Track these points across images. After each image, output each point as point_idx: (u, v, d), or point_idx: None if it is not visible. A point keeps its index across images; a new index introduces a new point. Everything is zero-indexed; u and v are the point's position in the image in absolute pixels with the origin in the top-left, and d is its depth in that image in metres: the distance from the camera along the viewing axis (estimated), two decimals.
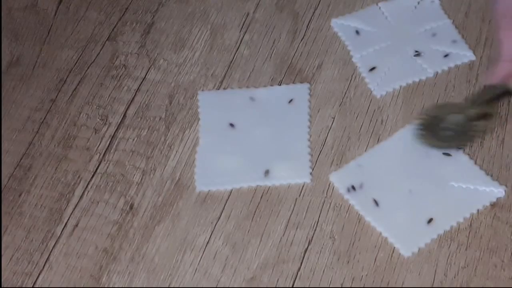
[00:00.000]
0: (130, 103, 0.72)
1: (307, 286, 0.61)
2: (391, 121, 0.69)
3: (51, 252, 0.64)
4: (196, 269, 0.62)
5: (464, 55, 0.72)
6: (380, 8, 0.76)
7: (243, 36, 0.76)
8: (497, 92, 0.63)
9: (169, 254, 0.63)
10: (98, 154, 0.69)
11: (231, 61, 0.74)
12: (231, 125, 0.69)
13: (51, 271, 0.63)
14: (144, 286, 0.62)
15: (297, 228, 0.64)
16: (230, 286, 0.61)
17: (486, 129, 0.65)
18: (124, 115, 0.71)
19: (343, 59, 0.73)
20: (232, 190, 0.66)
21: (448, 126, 0.65)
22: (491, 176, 0.65)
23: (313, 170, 0.67)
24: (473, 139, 0.65)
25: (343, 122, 0.69)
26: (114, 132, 0.71)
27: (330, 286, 0.61)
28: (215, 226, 0.64)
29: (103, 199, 0.66)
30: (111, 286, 0.62)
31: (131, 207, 0.66)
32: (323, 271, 0.62)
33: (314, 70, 0.73)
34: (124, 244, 0.64)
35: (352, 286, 0.61)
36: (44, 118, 0.72)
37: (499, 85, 0.63)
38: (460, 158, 0.65)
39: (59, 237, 0.65)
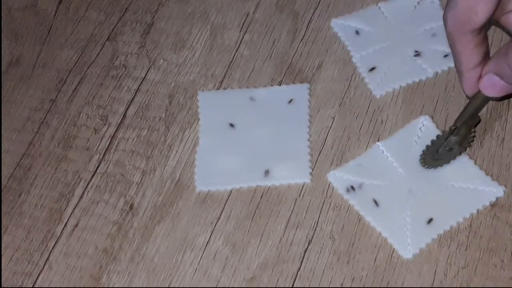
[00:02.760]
0: (130, 103, 0.72)
1: (307, 286, 0.61)
2: (391, 121, 0.69)
3: (51, 252, 0.64)
4: (196, 269, 0.62)
5: None
6: (380, 8, 0.76)
7: (243, 36, 0.76)
8: (477, 104, 0.63)
9: (169, 254, 0.63)
10: (98, 154, 0.69)
11: (231, 61, 0.74)
12: (231, 125, 0.69)
13: (51, 271, 0.63)
14: (144, 286, 0.62)
15: (297, 228, 0.64)
16: (230, 286, 0.61)
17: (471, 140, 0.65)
18: (124, 115, 0.72)
19: (343, 59, 0.73)
20: (232, 190, 0.66)
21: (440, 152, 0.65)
22: (491, 176, 0.65)
23: (313, 170, 0.67)
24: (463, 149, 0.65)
25: (343, 122, 0.69)
26: (114, 132, 0.71)
27: (330, 286, 0.61)
28: (215, 226, 0.64)
29: (103, 199, 0.66)
30: (111, 286, 0.62)
31: (131, 207, 0.66)
32: (323, 271, 0.62)
33: (314, 70, 0.73)
34: (124, 244, 0.64)
35: (352, 286, 0.61)
36: (44, 118, 0.72)
37: (477, 97, 0.63)
38: (460, 158, 0.65)
39: (59, 237, 0.65)
